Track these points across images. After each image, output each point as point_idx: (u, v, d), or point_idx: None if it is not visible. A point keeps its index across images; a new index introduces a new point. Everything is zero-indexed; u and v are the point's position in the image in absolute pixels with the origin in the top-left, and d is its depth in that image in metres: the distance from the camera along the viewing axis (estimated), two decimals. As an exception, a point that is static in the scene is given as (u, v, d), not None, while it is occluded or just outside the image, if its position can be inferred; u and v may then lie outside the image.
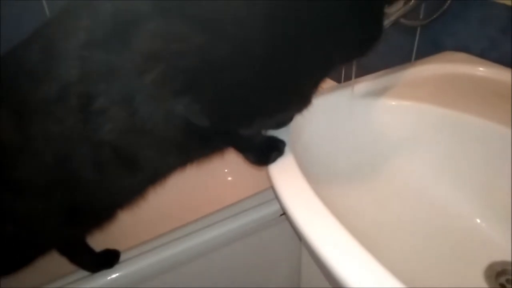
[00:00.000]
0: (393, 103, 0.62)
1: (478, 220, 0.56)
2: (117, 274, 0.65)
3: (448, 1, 0.68)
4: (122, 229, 0.63)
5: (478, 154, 0.56)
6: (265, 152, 0.51)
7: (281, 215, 0.78)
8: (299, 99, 0.51)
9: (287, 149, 0.52)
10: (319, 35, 0.46)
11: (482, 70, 0.65)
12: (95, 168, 0.46)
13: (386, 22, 0.57)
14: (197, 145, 0.50)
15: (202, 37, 0.41)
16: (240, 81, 0.44)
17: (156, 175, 0.51)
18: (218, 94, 0.44)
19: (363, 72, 0.67)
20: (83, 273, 0.65)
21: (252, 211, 0.76)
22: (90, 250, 0.64)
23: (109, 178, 0.47)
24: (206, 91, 0.44)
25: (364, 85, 0.65)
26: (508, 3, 0.62)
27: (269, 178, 0.50)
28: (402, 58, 0.83)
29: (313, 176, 0.48)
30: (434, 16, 0.70)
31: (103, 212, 0.53)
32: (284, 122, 0.56)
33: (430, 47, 0.76)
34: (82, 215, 0.51)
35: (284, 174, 0.48)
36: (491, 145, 0.54)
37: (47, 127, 0.44)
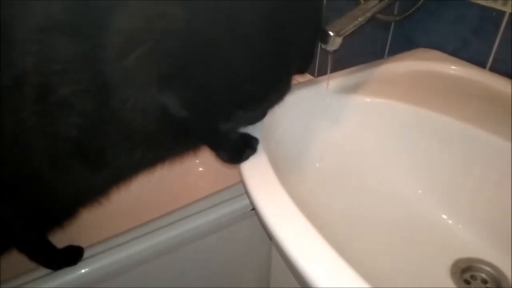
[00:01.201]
0: (367, 100, 0.61)
1: (445, 216, 0.57)
2: (81, 272, 0.63)
3: (422, -1, 0.68)
4: (86, 224, 0.61)
5: (446, 152, 0.57)
6: (238, 150, 0.49)
7: (252, 209, 0.77)
8: (283, 85, 0.51)
9: (260, 146, 0.51)
10: (299, 25, 0.48)
11: (454, 68, 0.66)
12: (54, 164, 0.43)
13: (362, 18, 0.56)
14: (169, 142, 0.48)
15: (188, 16, 0.39)
16: (225, 67, 0.42)
17: (122, 173, 0.49)
18: (203, 81, 0.42)
19: (337, 66, 0.66)
20: (45, 270, 0.62)
21: (223, 205, 0.75)
22: (51, 247, 0.61)
23: (70, 175, 0.45)
24: (190, 77, 0.41)
25: (338, 80, 0.65)
26: (481, 2, 0.62)
27: (240, 175, 0.49)
28: (375, 52, 0.83)
29: (285, 173, 0.48)
30: (408, 13, 0.70)
31: (65, 211, 0.50)
32: (258, 117, 0.55)
33: (403, 43, 0.76)
34: (42, 214, 0.48)
35: (256, 171, 0.48)
36: (459, 143, 0.55)
37: (1, 120, 0.40)
